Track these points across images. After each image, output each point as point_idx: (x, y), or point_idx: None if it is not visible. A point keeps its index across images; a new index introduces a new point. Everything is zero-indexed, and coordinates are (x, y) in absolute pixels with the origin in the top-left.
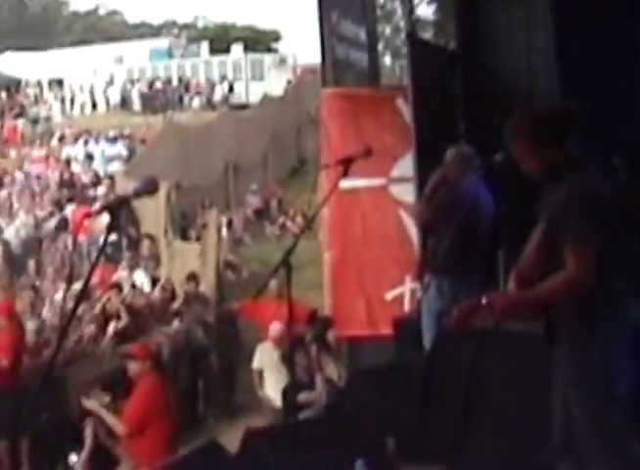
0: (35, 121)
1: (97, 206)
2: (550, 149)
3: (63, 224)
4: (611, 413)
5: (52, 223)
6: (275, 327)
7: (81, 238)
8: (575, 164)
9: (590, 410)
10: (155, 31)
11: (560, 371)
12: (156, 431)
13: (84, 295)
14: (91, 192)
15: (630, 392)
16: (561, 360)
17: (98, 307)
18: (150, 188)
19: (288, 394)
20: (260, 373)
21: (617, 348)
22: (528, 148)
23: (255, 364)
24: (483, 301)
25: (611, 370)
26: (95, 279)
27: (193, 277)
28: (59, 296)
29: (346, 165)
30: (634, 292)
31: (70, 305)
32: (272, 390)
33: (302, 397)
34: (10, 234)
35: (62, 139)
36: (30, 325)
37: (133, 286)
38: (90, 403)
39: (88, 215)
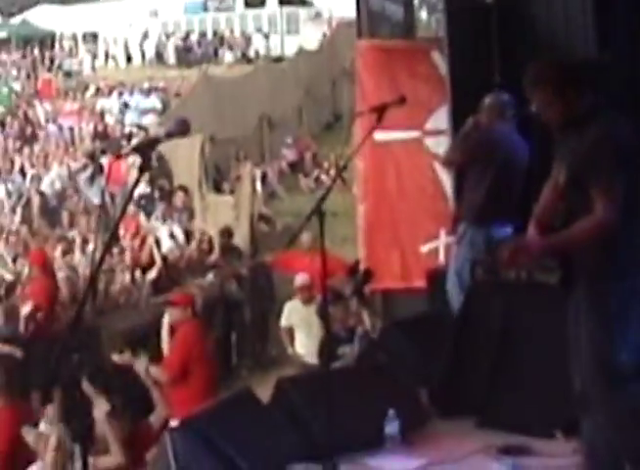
0: (69, 75)
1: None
2: (572, 98)
3: (98, 171)
4: (617, 357)
5: (86, 175)
6: (300, 277)
7: (115, 189)
8: (596, 113)
9: (597, 352)
10: None
11: (574, 316)
12: (196, 378)
13: (113, 241)
14: (125, 144)
15: None
16: (574, 308)
17: (128, 255)
18: (181, 129)
19: (325, 347)
20: (290, 331)
21: (633, 295)
22: (551, 97)
23: (284, 322)
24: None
25: (625, 317)
26: (128, 231)
27: (227, 230)
28: (91, 247)
29: (380, 113)
30: None
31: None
32: (303, 347)
33: (341, 351)
34: (45, 186)
35: (97, 92)
36: (62, 275)
37: (171, 235)
38: (124, 357)
39: (119, 157)
